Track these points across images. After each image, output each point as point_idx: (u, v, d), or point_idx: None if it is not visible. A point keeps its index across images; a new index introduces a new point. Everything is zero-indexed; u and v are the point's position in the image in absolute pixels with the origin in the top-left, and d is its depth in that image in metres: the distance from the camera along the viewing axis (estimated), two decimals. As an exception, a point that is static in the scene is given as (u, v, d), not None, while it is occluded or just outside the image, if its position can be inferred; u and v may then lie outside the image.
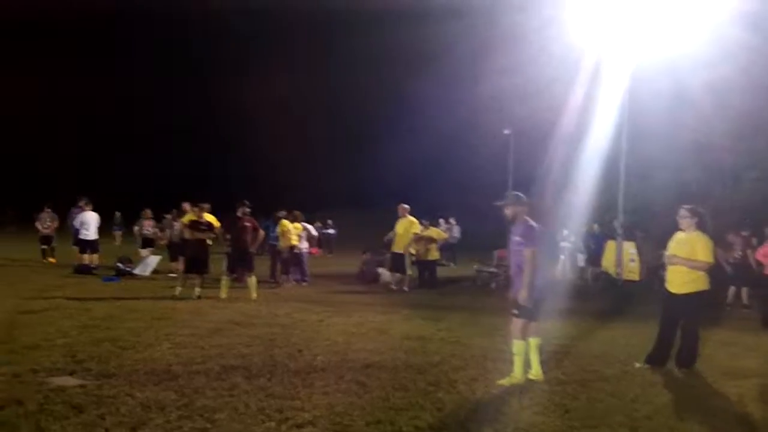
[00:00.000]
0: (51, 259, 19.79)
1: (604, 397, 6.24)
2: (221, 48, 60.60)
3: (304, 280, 16.14)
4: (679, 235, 7.73)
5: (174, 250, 17.45)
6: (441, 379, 6.74)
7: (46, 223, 20.28)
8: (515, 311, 6.68)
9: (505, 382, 6.54)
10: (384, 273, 16.60)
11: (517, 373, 6.59)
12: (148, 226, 19.09)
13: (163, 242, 18.38)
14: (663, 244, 8.08)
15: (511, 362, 6.72)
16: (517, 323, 6.67)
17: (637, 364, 7.61)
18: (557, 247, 19.95)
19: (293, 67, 56.72)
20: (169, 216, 18.47)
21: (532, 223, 6.80)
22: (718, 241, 14.22)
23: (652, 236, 17.41)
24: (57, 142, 54.46)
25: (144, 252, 18.38)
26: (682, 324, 7.58)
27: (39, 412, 5.31)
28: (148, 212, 19.39)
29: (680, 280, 7.46)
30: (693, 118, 24.26)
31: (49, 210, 20.54)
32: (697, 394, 6.56)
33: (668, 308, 7.69)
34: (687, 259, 7.36)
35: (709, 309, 7.86)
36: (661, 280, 7.98)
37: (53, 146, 53.22)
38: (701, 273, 7.38)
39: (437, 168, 43.03)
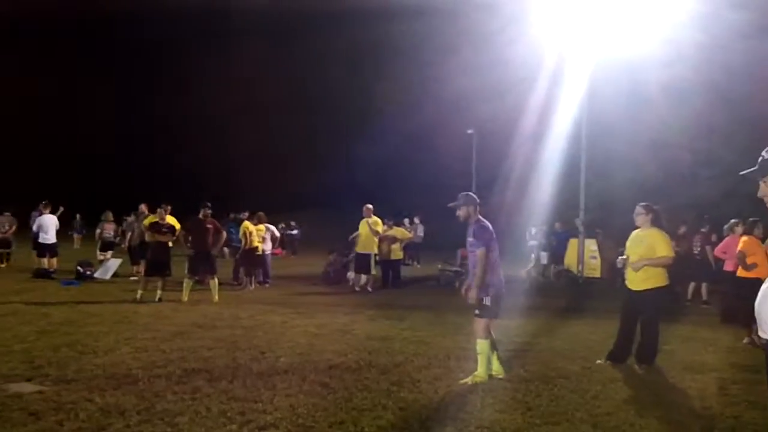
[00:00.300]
0: (3, 264, 19.37)
1: (566, 394, 6.30)
2: (186, 48, 59.82)
3: (267, 282, 16.06)
4: (635, 233, 7.86)
5: (135, 253, 17.29)
6: (404, 378, 6.75)
7: (4, 227, 19.87)
8: (477, 312, 6.70)
9: (468, 380, 6.56)
10: (353, 276, 16.57)
11: (480, 372, 6.61)
12: (109, 229, 18.83)
13: (125, 245, 18.17)
14: (623, 241, 8.20)
15: (475, 361, 6.76)
16: (480, 322, 6.69)
17: (599, 361, 7.71)
18: (526, 245, 20.18)
19: (258, 68, 56.10)
20: (129, 218, 18.26)
21: (485, 222, 6.85)
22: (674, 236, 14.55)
23: (612, 233, 17.67)
24: (17, 144, 53.47)
25: (102, 255, 18.10)
26: (641, 320, 7.69)
27: (-5, 419, 5.21)
28: (110, 215, 19.13)
29: (639, 277, 7.57)
30: (650, 117, 24.70)
31: (8, 214, 20.13)
32: (658, 390, 6.63)
33: (628, 305, 7.79)
34: (650, 258, 7.46)
35: (669, 304, 7.96)
36: (623, 277, 8.09)
37: (13, 150, 52.25)
38: (660, 269, 7.50)
39: (403, 168, 43.07)
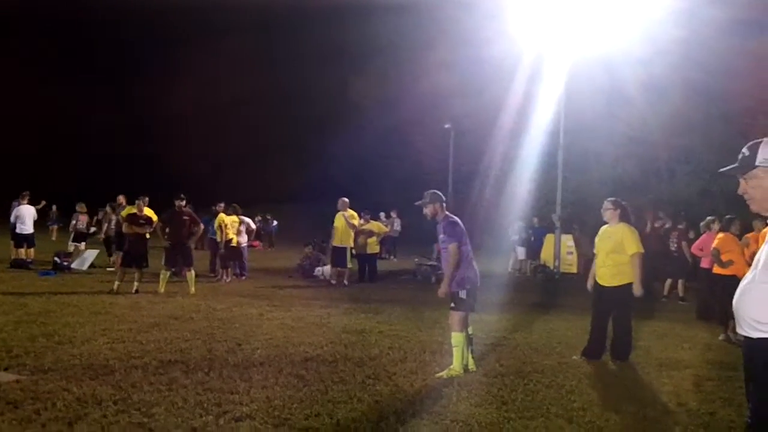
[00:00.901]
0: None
1: (541, 389, 6.38)
2: (163, 44, 59.46)
3: (243, 275, 16.07)
4: (604, 228, 7.97)
5: (110, 244, 17.27)
6: (379, 371, 6.83)
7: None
8: (453, 305, 6.79)
9: (444, 374, 6.62)
10: (322, 271, 16.65)
11: (456, 366, 6.68)
12: (82, 220, 18.73)
13: (101, 236, 18.09)
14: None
15: (450, 355, 6.84)
16: (456, 315, 6.76)
17: (575, 357, 7.82)
18: (509, 241, 20.34)
19: (235, 64, 55.90)
20: (107, 209, 18.18)
21: (454, 218, 6.95)
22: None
23: (588, 229, 17.88)
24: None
25: (74, 246, 17.99)
26: (614, 316, 7.81)
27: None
28: (83, 206, 19.01)
29: (609, 273, 7.69)
30: (628, 113, 24.92)
31: None
32: (632, 386, 6.73)
33: (599, 301, 7.90)
34: (635, 271, 7.51)
35: (642, 300, 8.06)
36: None
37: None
38: (625, 262, 7.57)
39: (379, 163, 43.11)
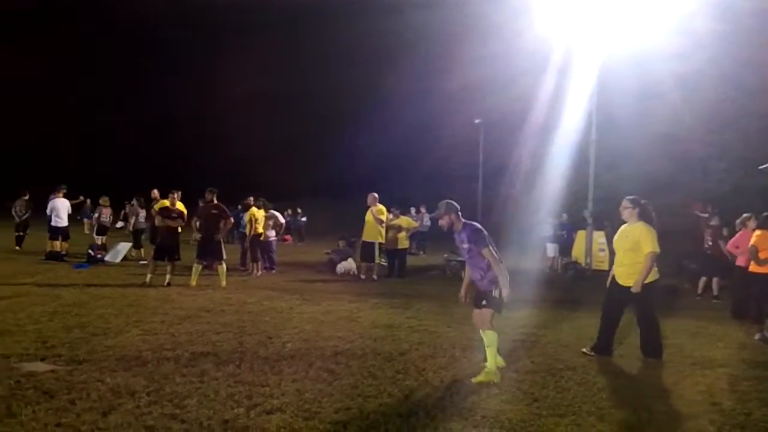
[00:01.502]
0: (17, 247, 19.55)
1: (572, 386, 6.34)
2: (193, 40, 60.01)
3: (273, 268, 16.15)
4: (623, 228, 7.87)
5: (138, 237, 17.48)
6: (409, 367, 6.83)
7: (21, 210, 20.03)
8: (484, 302, 6.66)
9: (481, 378, 6.38)
10: (341, 266, 16.69)
11: (490, 366, 6.47)
12: (106, 214, 18.97)
13: (128, 229, 18.39)
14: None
15: (480, 350, 6.77)
16: (486, 313, 6.64)
17: (584, 350, 7.76)
18: (539, 237, 20.20)
19: (264, 59, 56.15)
20: (133, 203, 18.44)
21: (475, 224, 6.79)
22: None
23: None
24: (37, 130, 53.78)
25: (99, 239, 18.23)
26: (637, 316, 7.73)
27: (10, 396, 5.33)
28: (107, 200, 19.27)
29: (627, 272, 7.59)
30: (661, 109, 24.57)
31: (26, 197, 20.30)
32: (665, 384, 6.63)
33: (612, 299, 7.83)
34: (641, 272, 7.41)
35: (667, 298, 7.95)
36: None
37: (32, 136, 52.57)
38: (642, 261, 7.44)
39: (408, 158, 43.07)
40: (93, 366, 6.33)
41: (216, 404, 5.36)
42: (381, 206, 15.63)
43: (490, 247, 6.61)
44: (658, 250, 7.45)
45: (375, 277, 15.34)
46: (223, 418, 5.05)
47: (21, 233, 19.90)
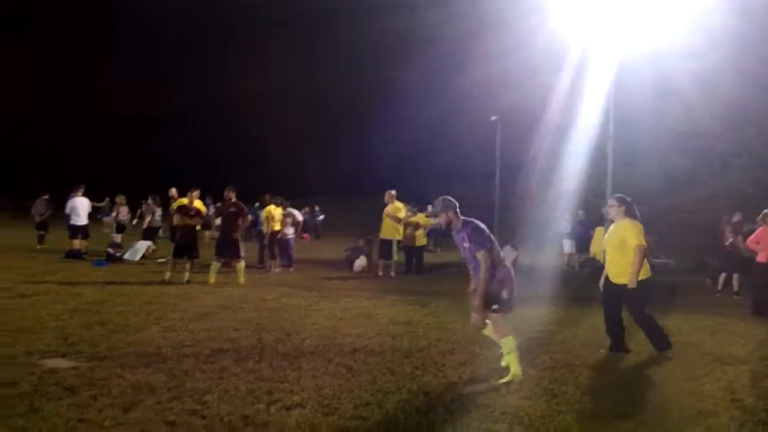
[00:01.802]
0: (41, 245, 19.75)
1: (591, 383, 6.34)
2: (207, 37, 60.23)
3: (291, 266, 16.20)
4: (611, 227, 7.82)
5: (153, 234, 17.84)
6: (428, 363, 6.84)
7: (41, 209, 20.27)
8: (495, 306, 6.39)
9: (507, 379, 6.24)
10: (357, 263, 16.71)
11: (517, 372, 6.27)
12: (123, 212, 19.16)
13: (142, 227, 18.59)
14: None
15: (497, 347, 6.72)
16: (498, 318, 6.42)
17: (602, 350, 7.71)
18: (556, 233, 20.10)
19: (279, 57, 56.29)
20: (149, 201, 18.61)
21: (476, 223, 6.55)
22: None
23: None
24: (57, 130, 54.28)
25: (117, 237, 18.40)
26: (631, 314, 7.67)
27: (33, 393, 5.39)
28: (123, 198, 19.46)
29: (617, 270, 7.55)
30: (678, 106, 24.40)
31: (46, 197, 20.56)
32: (686, 381, 6.56)
33: (606, 298, 7.81)
34: (633, 267, 7.34)
35: (687, 295, 7.87)
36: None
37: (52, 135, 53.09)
38: (632, 259, 7.37)
39: (424, 155, 43.01)
40: (114, 362, 6.39)
41: (236, 400, 5.40)
42: (398, 203, 15.64)
43: (487, 250, 6.34)
44: (644, 243, 7.41)
45: (392, 274, 15.35)
46: (244, 413, 5.08)
47: (42, 232, 20.11)
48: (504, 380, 6.21)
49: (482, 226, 6.54)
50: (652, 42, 19.56)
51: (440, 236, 25.28)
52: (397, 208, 15.50)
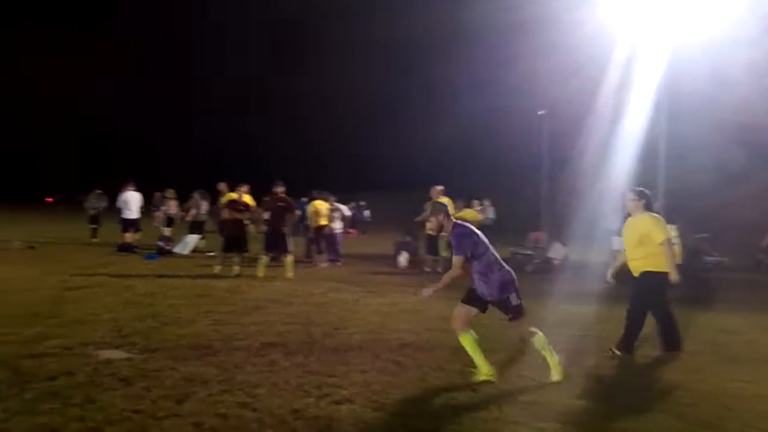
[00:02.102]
0: (94, 239, 20.20)
1: (648, 383, 6.24)
2: (247, 38, 60.86)
3: (338, 261, 16.26)
4: (629, 221, 7.64)
5: (200, 228, 18.23)
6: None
7: (94, 203, 20.75)
8: (510, 315, 6.24)
9: (554, 377, 6.13)
10: (400, 258, 16.67)
11: (555, 362, 6.17)
12: (172, 206, 19.48)
13: (188, 220, 18.89)
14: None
15: (541, 356, 6.56)
16: (522, 323, 6.30)
17: (617, 352, 7.37)
18: (605, 230, 19.78)
19: (324, 55, 56.60)
20: (195, 196, 18.90)
21: (463, 228, 6.38)
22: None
23: (689, 218, 17.25)
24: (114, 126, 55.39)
25: (167, 231, 18.71)
26: (631, 304, 7.47)
27: (89, 383, 5.51)
28: (172, 192, 19.79)
29: (639, 265, 7.38)
30: (733, 98, 23.81)
31: (99, 191, 21.03)
32: (742, 381, 6.38)
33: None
34: (666, 259, 7.17)
35: (743, 293, 7.62)
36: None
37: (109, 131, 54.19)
38: (657, 255, 7.22)
39: (471, 150, 42.83)
40: (166, 354, 6.50)
41: (286, 394, 5.44)
42: (446, 199, 15.54)
43: (478, 258, 6.21)
44: (670, 236, 7.29)
45: (440, 270, 15.29)
46: (293, 407, 5.12)
47: (94, 226, 20.56)
48: (555, 378, 6.10)
49: (468, 231, 6.33)
50: (705, 31, 19.07)
51: (486, 233, 25.13)
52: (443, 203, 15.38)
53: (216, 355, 6.59)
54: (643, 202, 7.50)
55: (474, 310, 6.30)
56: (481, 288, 6.29)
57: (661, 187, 18.58)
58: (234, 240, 13.36)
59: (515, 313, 6.21)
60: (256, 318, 8.65)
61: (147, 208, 19.50)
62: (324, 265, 15.57)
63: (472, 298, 6.35)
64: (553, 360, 6.21)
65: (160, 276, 12.53)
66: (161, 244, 17.28)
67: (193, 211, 18.61)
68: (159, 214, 20.25)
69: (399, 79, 53.66)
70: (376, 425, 4.85)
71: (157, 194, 21.19)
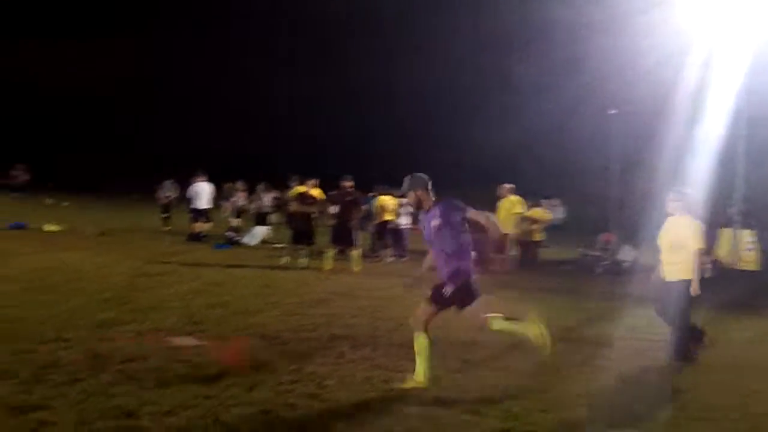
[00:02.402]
0: (166, 227, 20.66)
1: (722, 390, 6.02)
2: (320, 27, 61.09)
3: (403, 256, 16.23)
4: (667, 222, 7.33)
5: (260, 219, 18.63)
6: (545, 362, 6.67)
7: (166, 192, 21.26)
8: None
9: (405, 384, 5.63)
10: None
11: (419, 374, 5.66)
12: (241, 198, 19.78)
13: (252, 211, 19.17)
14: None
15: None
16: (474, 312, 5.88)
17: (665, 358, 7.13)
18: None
19: (390, 49, 56.53)
20: (261, 187, 19.16)
21: (448, 199, 5.90)
22: None
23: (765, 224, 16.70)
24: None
25: (235, 221, 19.00)
26: (672, 312, 7.14)
27: (162, 368, 5.63)
28: (241, 184, 20.11)
29: (673, 269, 7.08)
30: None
31: (171, 181, 21.55)
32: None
33: (662, 298, 7.31)
34: (693, 268, 6.92)
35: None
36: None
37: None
38: (689, 262, 6.95)
39: (540, 149, 42.22)
40: (236, 343, 6.57)
41: (353, 386, 5.45)
42: (514, 198, 15.36)
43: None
44: (702, 246, 6.99)
45: (507, 268, 15.10)
46: (361, 399, 5.14)
47: (166, 214, 21.04)
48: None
49: (455, 204, 5.84)
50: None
51: (555, 233, 24.79)
52: (512, 202, 15.23)
53: (285, 345, 6.65)
54: (684, 203, 7.23)
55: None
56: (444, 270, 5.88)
57: (739, 193, 18.01)
58: (302, 233, 13.47)
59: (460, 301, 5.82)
60: (322, 310, 8.70)
61: (217, 198, 19.80)
62: (390, 260, 15.57)
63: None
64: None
65: (229, 266, 12.71)
66: (230, 234, 17.56)
67: (256, 203, 18.86)
68: (228, 205, 20.60)
69: (465, 75, 53.17)
70: (444, 423, 4.80)
71: (227, 185, 21.54)
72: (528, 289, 12.22)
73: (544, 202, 22.08)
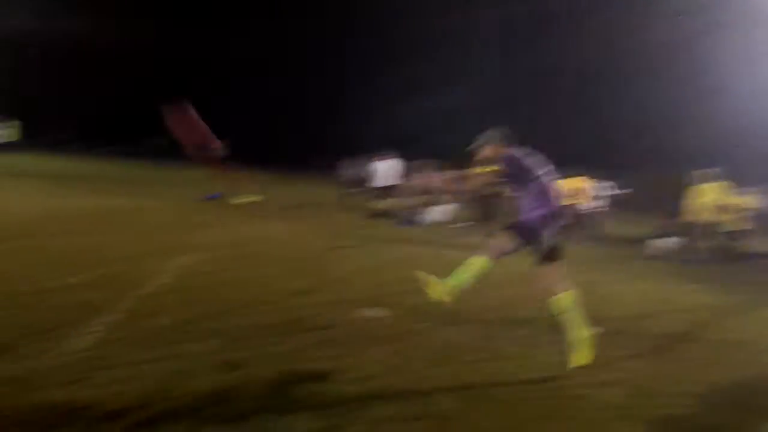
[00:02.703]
0: (349, 204, 21.19)
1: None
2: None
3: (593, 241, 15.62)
4: None
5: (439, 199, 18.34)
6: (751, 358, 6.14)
7: (349, 169, 21.82)
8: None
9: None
10: (653, 244, 15.42)
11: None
12: (422, 177, 19.78)
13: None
14: None
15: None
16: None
17: None
18: None
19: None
20: (428, 167, 19.13)
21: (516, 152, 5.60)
22: None
23: None
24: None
25: (417, 200, 19.04)
26: None
27: (347, 336, 5.80)
28: (429, 164, 20.14)
29: None
30: None
31: (354, 158, 22.10)
32: None
33: None
34: None
35: None
36: None
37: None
38: None
39: (741, 131, 39.06)
40: (422, 317, 6.61)
41: (544, 370, 5.31)
42: (718, 184, 14.26)
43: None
44: None
45: (702, 258, 14.09)
46: (554, 385, 5.02)
47: (349, 190, 21.56)
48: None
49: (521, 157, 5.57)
50: None
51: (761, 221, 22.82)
52: (716, 188, 14.16)
53: (470, 323, 6.63)
54: None
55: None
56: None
57: None
58: (486, 213, 13.31)
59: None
60: (507, 291, 8.50)
61: (398, 177, 19.97)
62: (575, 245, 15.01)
63: None
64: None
65: (411, 242, 12.80)
66: (409, 213, 17.64)
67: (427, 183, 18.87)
68: (409, 184, 20.74)
69: (660, 51, 50.04)
70: (638, 413, 4.60)
71: (408, 164, 21.72)
72: (730, 281, 11.27)
73: (752, 189, 20.35)
